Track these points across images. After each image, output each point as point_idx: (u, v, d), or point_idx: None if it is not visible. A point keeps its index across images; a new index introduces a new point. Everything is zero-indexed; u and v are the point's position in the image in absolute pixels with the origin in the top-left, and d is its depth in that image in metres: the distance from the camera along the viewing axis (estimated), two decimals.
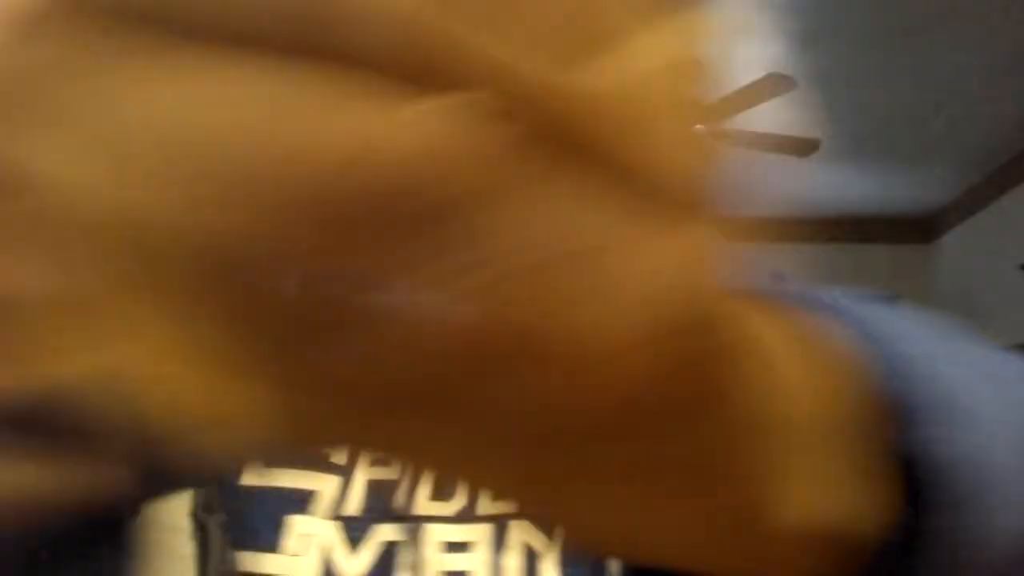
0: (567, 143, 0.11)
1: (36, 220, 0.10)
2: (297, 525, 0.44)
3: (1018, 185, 4.75)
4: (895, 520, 0.18)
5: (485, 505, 0.44)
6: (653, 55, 0.12)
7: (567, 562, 0.45)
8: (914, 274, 5.67)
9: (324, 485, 0.44)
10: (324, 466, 0.45)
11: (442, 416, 0.12)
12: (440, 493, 0.44)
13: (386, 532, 0.44)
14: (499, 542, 0.44)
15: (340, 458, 0.45)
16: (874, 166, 4.89)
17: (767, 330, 0.18)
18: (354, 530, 0.44)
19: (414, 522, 0.44)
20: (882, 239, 5.73)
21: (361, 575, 0.43)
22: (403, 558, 0.43)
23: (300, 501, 0.44)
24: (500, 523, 0.44)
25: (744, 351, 0.16)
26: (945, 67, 3.81)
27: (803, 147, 4.06)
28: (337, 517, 0.44)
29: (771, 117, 4.02)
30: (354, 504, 0.45)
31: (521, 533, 0.44)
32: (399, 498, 0.45)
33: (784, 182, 5.13)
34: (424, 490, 0.44)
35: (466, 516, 0.44)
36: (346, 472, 0.45)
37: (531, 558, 0.43)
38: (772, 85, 3.59)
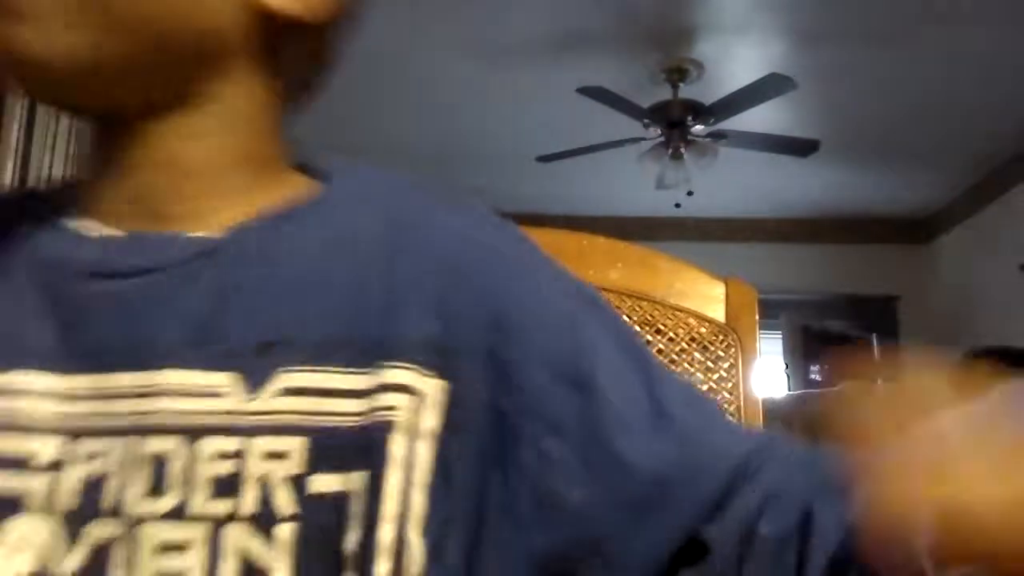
0: None
1: None
2: (11, 526, 0.42)
3: (1018, 185, 4.75)
4: None
5: (198, 505, 0.42)
6: None
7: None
8: (914, 274, 5.67)
9: (33, 485, 0.42)
10: (31, 466, 0.43)
11: None
12: (153, 489, 0.42)
13: (101, 530, 0.42)
14: (215, 546, 0.41)
15: (48, 455, 0.43)
16: (874, 166, 4.89)
17: None
18: (69, 527, 0.42)
19: (128, 520, 0.42)
20: (882, 239, 5.73)
21: (75, 573, 0.41)
22: (117, 557, 0.41)
23: (12, 503, 0.42)
24: (215, 526, 0.41)
25: None
26: (945, 67, 3.81)
27: (803, 147, 4.06)
28: (52, 514, 0.42)
29: (771, 117, 4.03)
30: (67, 501, 0.42)
31: (238, 538, 0.42)
32: (113, 495, 0.42)
33: (784, 182, 5.13)
34: (138, 487, 0.42)
35: (178, 515, 0.42)
36: (57, 469, 0.43)
37: (248, 564, 0.41)
38: (772, 85, 3.60)
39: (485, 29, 3.61)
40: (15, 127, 2.25)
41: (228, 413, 0.43)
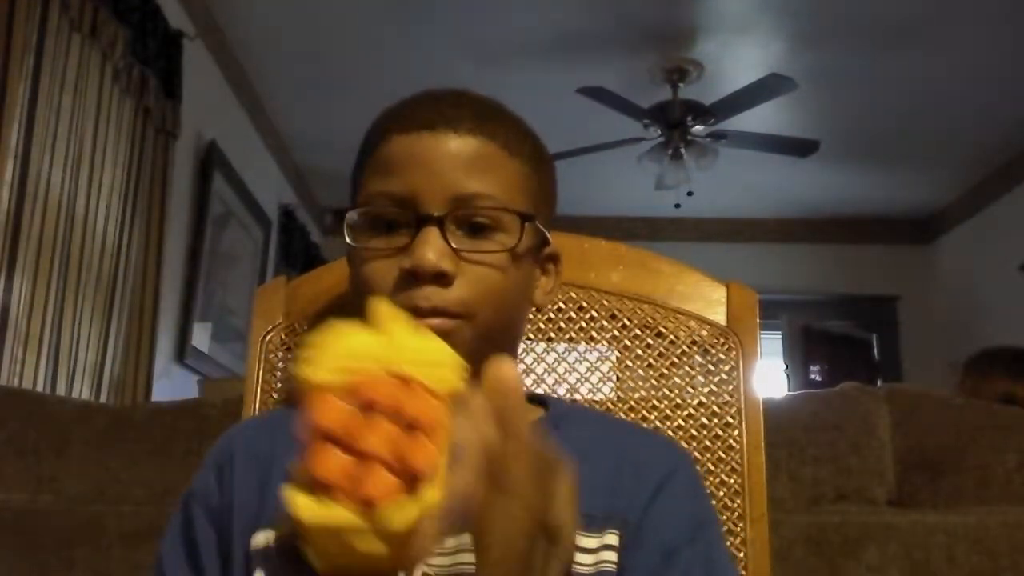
0: None
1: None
2: None
3: (1018, 185, 4.75)
4: None
5: None
6: None
7: None
8: (914, 274, 5.67)
9: None
10: None
11: None
12: None
13: None
14: None
15: None
16: (874, 166, 4.89)
17: None
18: None
19: None
20: (882, 239, 5.73)
21: None
22: None
23: None
24: None
25: None
26: (945, 68, 3.81)
27: (803, 147, 4.06)
28: None
29: (771, 117, 4.03)
30: None
31: None
32: None
33: (784, 182, 5.14)
34: None
35: None
36: None
37: None
38: (772, 85, 3.60)
39: (485, 29, 3.61)
40: (15, 127, 2.25)
41: None
